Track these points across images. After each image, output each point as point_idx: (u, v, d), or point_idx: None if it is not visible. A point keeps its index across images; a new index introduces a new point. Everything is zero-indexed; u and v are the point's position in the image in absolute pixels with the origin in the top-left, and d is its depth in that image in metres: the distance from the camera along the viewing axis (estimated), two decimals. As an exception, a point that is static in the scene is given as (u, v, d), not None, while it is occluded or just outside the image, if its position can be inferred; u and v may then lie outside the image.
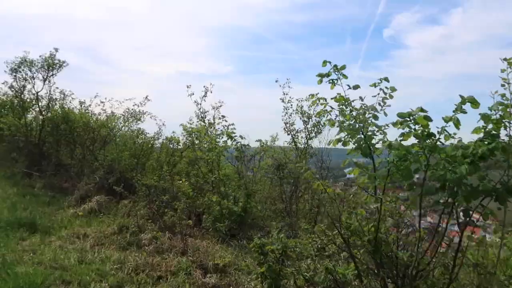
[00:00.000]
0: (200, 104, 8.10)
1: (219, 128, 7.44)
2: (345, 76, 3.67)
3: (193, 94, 8.12)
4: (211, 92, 8.01)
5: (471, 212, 3.25)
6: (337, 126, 3.53)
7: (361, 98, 3.61)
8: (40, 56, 10.84)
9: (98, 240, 5.71)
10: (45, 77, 11.00)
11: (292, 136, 7.81)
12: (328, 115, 3.84)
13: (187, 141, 8.80)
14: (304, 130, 7.84)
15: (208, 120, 7.92)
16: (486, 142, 3.04)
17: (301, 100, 7.82)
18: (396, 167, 3.18)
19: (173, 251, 5.40)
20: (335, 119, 3.78)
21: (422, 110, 3.11)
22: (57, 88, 11.26)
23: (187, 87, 8.14)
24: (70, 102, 11.39)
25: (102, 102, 10.53)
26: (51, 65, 10.87)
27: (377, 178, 3.11)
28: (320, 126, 7.85)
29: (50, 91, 11.23)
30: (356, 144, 3.57)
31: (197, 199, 7.04)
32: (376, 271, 3.39)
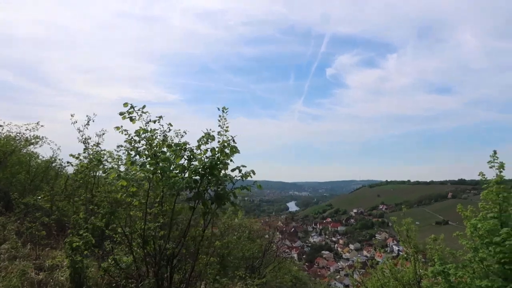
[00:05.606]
0: (83, 131, 9.01)
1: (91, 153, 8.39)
2: (145, 113, 4.96)
3: (76, 122, 9.03)
4: (93, 121, 8.98)
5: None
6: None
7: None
8: None
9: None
10: None
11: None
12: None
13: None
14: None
15: (88, 146, 8.87)
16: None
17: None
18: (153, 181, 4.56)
19: (26, 258, 6.28)
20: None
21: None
22: None
23: (71, 115, 9.04)
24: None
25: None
26: None
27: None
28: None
29: None
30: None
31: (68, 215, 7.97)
32: (146, 258, 4.67)
